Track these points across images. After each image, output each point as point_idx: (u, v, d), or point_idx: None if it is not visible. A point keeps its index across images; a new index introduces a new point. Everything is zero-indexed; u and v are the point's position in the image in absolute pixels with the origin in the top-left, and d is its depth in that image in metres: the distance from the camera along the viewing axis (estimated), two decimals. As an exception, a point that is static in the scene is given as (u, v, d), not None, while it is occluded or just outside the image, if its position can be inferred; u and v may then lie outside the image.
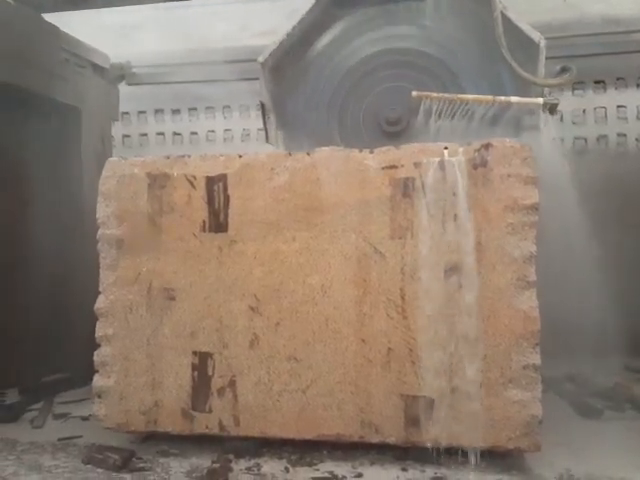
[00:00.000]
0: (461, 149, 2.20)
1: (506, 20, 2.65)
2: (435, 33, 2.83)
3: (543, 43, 2.61)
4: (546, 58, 4.14)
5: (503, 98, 2.56)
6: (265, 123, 2.98)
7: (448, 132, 2.58)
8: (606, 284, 3.43)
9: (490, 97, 2.57)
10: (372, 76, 2.87)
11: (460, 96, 2.60)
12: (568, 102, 4.37)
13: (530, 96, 2.60)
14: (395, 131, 2.81)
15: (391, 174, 2.24)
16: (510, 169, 2.15)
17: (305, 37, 2.93)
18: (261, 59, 2.87)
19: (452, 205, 2.18)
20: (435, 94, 2.62)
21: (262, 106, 2.96)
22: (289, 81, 2.97)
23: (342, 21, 2.94)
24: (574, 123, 4.37)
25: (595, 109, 4.34)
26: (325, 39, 2.96)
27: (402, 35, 2.87)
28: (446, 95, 2.60)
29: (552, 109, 2.57)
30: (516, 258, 2.13)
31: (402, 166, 2.24)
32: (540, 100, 2.56)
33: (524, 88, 2.65)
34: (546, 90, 2.71)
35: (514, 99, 2.56)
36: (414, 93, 2.62)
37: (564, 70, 2.65)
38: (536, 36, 2.64)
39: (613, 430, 2.61)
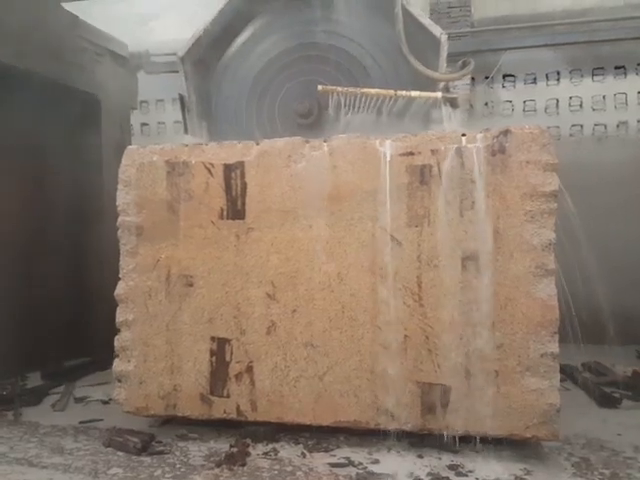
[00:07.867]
0: (479, 136, 2.18)
1: (408, 15, 2.68)
2: (346, 28, 2.87)
3: (444, 38, 2.64)
4: (568, 44, 4.10)
5: (404, 92, 2.59)
6: (184, 115, 3.04)
7: (358, 124, 2.60)
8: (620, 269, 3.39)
9: (392, 91, 2.59)
10: (286, 70, 2.94)
11: (363, 90, 2.63)
12: (588, 88, 4.31)
13: (437, 91, 2.62)
14: (307, 123, 2.85)
15: (408, 161, 2.23)
16: (529, 155, 2.13)
17: (225, 32, 2.98)
18: (180, 53, 2.93)
19: (470, 192, 2.17)
20: (340, 88, 2.65)
21: (181, 99, 3.02)
22: (213, 74, 3.04)
23: (259, 16, 3.00)
24: (594, 109, 4.31)
25: (615, 95, 4.27)
26: (245, 34, 3.01)
27: (315, 30, 2.91)
28: (350, 89, 2.64)
29: (453, 103, 2.59)
30: (535, 246, 2.12)
31: (419, 153, 2.23)
32: (439, 94, 2.58)
33: (434, 82, 2.67)
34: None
35: (414, 93, 2.59)
36: (320, 87, 2.67)
37: (465, 64, 2.68)
38: (437, 31, 2.66)
39: (631, 419, 2.60)
